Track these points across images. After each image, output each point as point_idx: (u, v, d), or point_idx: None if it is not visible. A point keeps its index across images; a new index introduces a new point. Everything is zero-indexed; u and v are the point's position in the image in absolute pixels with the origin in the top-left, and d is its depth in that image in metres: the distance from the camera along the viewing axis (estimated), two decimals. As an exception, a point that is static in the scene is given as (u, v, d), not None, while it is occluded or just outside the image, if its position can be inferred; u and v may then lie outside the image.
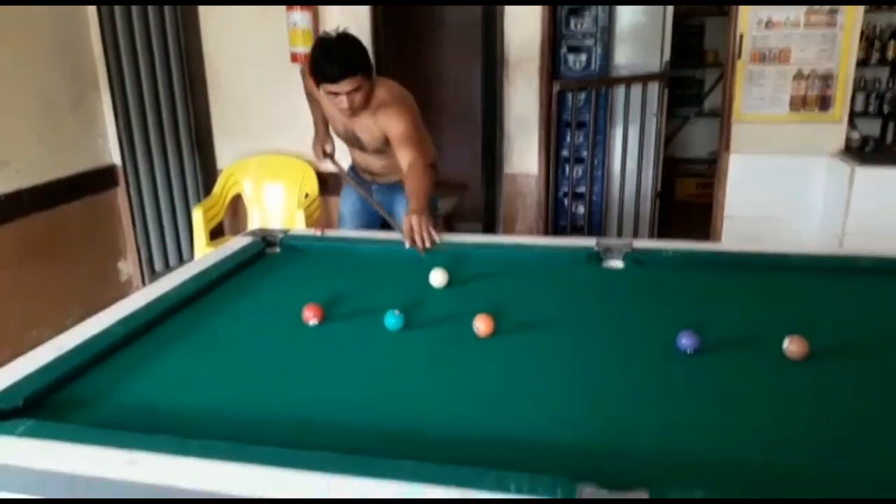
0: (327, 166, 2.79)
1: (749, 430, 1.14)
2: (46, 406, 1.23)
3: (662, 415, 1.19)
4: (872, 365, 1.34)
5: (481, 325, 1.49)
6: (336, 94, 2.28)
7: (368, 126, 2.45)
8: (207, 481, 0.97)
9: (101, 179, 3.77)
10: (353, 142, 2.58)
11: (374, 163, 2.66)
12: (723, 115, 3.57)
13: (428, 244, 2.04)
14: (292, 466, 0.99)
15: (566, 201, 4.19)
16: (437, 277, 1.80)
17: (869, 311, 1.61)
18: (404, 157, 2.31)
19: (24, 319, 3.26)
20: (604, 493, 0.89)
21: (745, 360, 1.37)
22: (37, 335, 1.49)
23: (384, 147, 2.49)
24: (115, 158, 3.81)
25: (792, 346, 1.34)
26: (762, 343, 1.41)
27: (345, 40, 2.28)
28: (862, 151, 3.38)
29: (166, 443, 1.05)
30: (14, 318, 3.23)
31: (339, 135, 2.62)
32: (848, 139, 3.42)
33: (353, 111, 2.34)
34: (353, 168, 2.79)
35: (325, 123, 2.70)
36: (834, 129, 3.40)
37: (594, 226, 4.21)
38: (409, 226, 2.06)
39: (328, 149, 2.72)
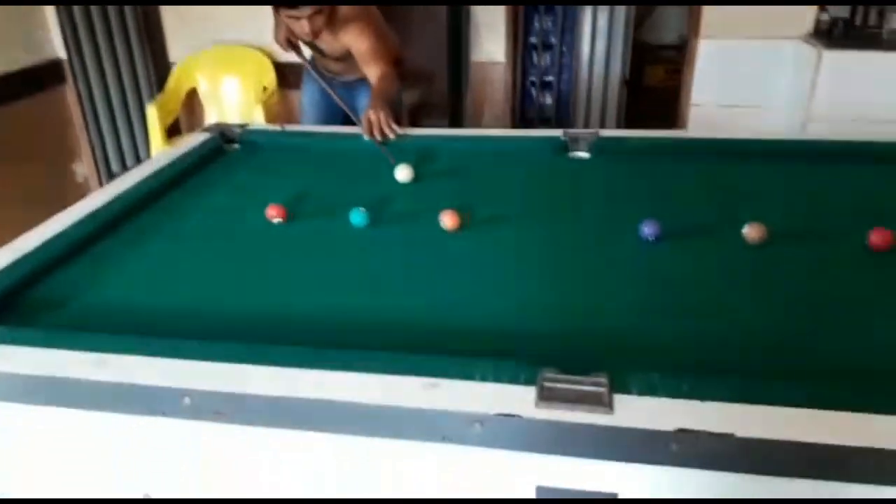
0: (290, 56, 2.69)
1: (708, 312, 1.18)
2: (11, 309, 1.23)
3: (625, 301, 1.23)
4: (827, 247, 1.38)
5: (447, 220, 1.49)
6: (296, 18, 2.23)
7: (330, 42, 2.44)
8: (178, 379, 0.99)
9: (46, 75, 3.59)
10: (315, 49, 2.56)
11: (335, 66, 2.65)
12: (693, -2, 3.48)
13: (391, 135, 2.03)
14: (260, 362, 1.01)
15: (534, 91, 4.13)
16: (403, 173, 1.78)
17: (826, 195, 1.64)
18: (372, 73, 2.34)
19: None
20: (564, 377, 0.93)
21: (705, 246, 1.40)
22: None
23: (346, 56, 2.48)
24: (60, 52, 3.62)
25: (751, 231, 1.38)
26: (723, 229, 1.44)
27: None
28: (830, 34, 3.34)
29: (135, 343, 1.06)
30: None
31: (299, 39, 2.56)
32: (817, 21, 3.37)
33: (315, 35, 2.31)
34: (314, 62, 2.72)
35: None
36: (803, 11, 3.35)
37: (562, 115, 4.17)
38: (369, 118, 2.05)
39: (294, 37, 2.61)
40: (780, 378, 0.99)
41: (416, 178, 1.78)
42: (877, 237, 1.33)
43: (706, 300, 1.22)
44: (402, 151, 1.95)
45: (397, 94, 2.37)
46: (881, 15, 3.50)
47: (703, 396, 0.89)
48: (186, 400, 0.97)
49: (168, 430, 1.01)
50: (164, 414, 1.00)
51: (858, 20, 3.97)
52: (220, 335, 1.11)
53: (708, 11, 3.41)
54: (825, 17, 3.41)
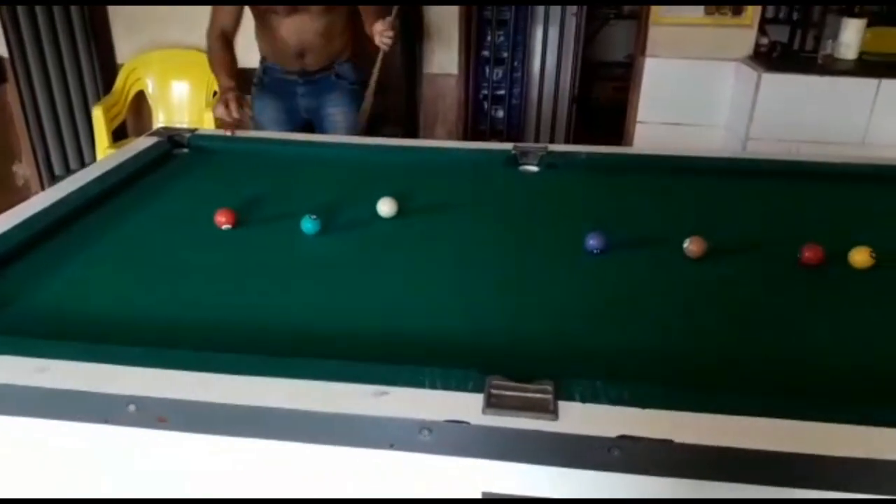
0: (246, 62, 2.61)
1: (650, 322, 1.22)
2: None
3: (568, 310, 1.26)
4: (762, 260, 1.44)
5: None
6: None
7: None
8: (122, 386, 0.97)
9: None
10: (294, 10, 2.39)
11: (311, 35, 2.46)
12: (640, 17, 3.58)
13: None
14: (204, 370, 1.00)
15: (486, 104, 4.18)
16: (386, 206, 1.63)
17: (763, 210, 1.71)
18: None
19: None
20: (511, 385, 0.95)
21: (648, 259, 1.45)
22: (-73, 242, 1.41)
23: (325, 25, 2.43)
24: (1, 51, 3.51)
25: (692, 245, 1.43)
26: (665, 243, 1.48)
27: None
28: (769, 57, 3.48)
29: (77, 349, 1.04)
30: None
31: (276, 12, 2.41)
32: (757, 44, 3.51)
33: None
34: (270, 70, 2.59)
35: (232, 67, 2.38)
36: (745, 34, 3.49)
37: (513, 129, 4.23)
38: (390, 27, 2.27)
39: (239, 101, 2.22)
40: (715, 387, 1.03)
41: (364, 186, 1.78)
42: (809, 253, 1.40)
43: (648, 311, 1.26)
44: (355, 161, 1.96)
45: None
46: (817, 40, 3.66)
47: (643, 404, 0.93)
48: (131, 407, 0.96)
49: (111, 438, 1.00)
50: (107, 421, 0.98)
51: (796, 45, 4.13)
52: (161, 342, 1.09)
53: (654, 31, 3.51)
54: (765, 40, 3.55)
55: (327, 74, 2.54)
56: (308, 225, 1.53)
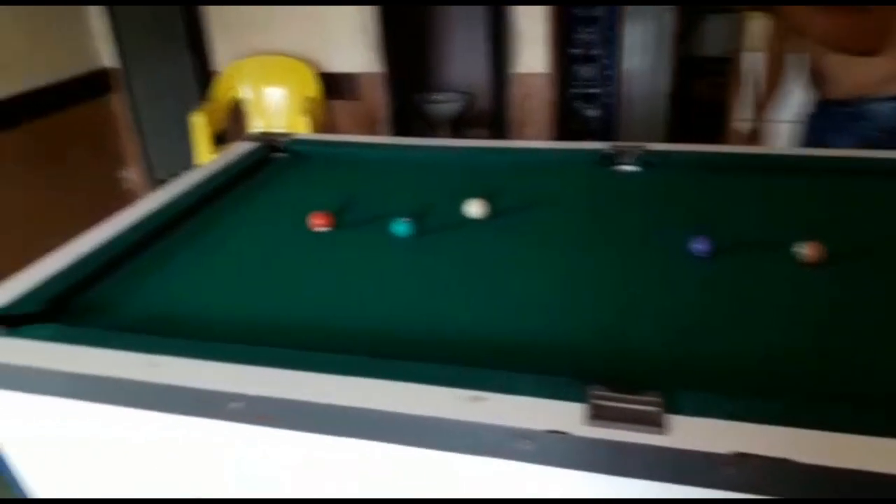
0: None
1: (762, 331, 1.16)
2: (67, 311, 1.26)
3: (672, 318, 1.21)
4: (889, 270, 1.34)
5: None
6: None
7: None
8: (228, 383, 1.00)
9: (94, 84, 3.70)
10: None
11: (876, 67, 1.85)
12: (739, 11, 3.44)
13: None
14: (307, 368, 1.02)
15: (578, 104, 4.11)
16: (475, 208, 1.63)
17: (888, 214, 1.60)
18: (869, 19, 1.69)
19: (31, 228, 3.29)
20: (615, 395, 0.91)
21: (757, 265, 1.38)
22: (45, 243, 1.51)
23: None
24: (107, 61, 3.72)
25: (806, 250, 1.35)
26: (775, 247, 1.41)
27: None
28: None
29: (186, 346, 1.08)
30: (20, 227, 3.25)
31: (834, 48, 1.85)
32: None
33: None
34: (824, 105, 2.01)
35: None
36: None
37: (607, 128, 4.15)
38: None
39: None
40: (838, 404, 0.96)
41: (457, 187, 1.77)
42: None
43: (759, 319, 1.20)
44: (440, 164, 1.96)
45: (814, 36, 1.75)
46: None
47: (759, 419, 0.87)
48: (233, 404, 0.99)
49: (214, 432, 1.03)
50: (210, 416, 1.01)
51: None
52: (266, 341, 1.12)
53: (754, 25, 3.36)
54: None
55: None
56: (400, 227, 1.54)
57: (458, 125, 4.96)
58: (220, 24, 3.68)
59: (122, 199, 3.89)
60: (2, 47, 3.16)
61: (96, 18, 3.62)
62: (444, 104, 4.89)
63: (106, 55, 3.71)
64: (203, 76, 3.73)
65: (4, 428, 1.19)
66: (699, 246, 1.38)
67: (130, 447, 1.13)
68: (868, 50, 1.68)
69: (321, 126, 3.50)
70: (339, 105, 3.67)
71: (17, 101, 3.22)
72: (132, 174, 3.98)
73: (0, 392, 1.12)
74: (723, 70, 5.36)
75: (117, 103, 3.81)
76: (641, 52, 3.97)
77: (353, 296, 1.33)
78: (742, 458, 0.82)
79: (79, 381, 1.06)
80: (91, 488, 1.22)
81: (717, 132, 3.71)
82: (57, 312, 1.24)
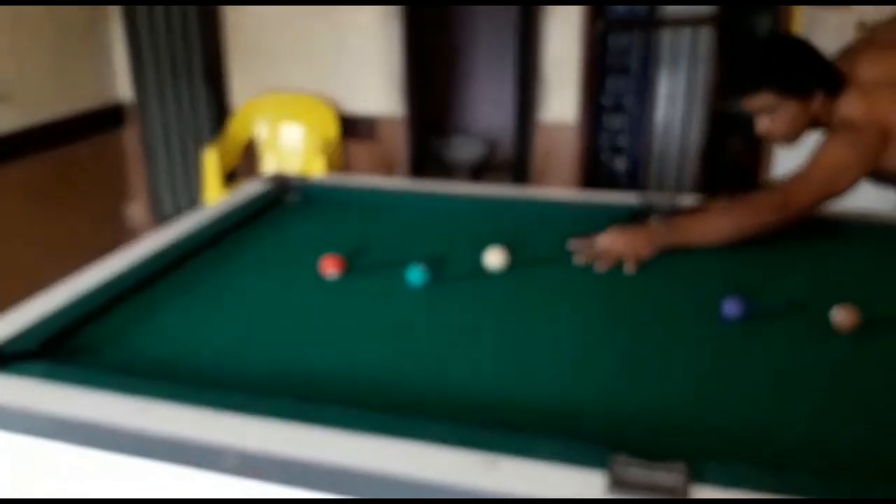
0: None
1: (797, 401, 1.14)
2: (61, 350, 1.27)
3: (701, 383, 1.20)
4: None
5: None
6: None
7: None
8: (221, 433, 1.00)
9: (108, 118, 3.79)
10: None
11: None
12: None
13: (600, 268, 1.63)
14: (308, 421, 1.01)
15: (604, 155, 4.15)
16: (494, 257, 1.61)
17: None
18: (778, 188, 1.76)
19: (35, 261, 3.33)
20: (638, 464, 0.90)
21: (790, 330, 1.36)
22: (47, 277, 1.53)
23: None
24: (123, 96, 3.82)
25: (841, 316, 1.33)
26: (809, 312, 1.40)
27: (757, 44, 1.81)
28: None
29: (180, 392, 1.08)
30: (24, 260, 3.30)
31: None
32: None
33: (768, 137, 1.80)
34: None
35: None
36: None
37: (635, 183, 4.17)
38: (597, 243, 1.68)
39: None
40: (875, 482, 0.94)
41: (475, 236, 1.77)
42: None
43: (794, 388, 1.18)
44: (459, 211, 1.97)
45: (721, 240, 1.70)
46: None
47: (791, 493, 0.86)
48: (228, 457, 0.98)
49: (207, 484, 1.02)
50: (203, 468, 1.00)
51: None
52: (265, 392, 1.12)
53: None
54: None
55: None
56: (415, 275, 1.54)
57: (479, 171, 5.01)
58: (240, 60, 3.77)
59: (127, 233, 3.94)
60: (25, 78, 3.26)
61: (118, 52, 3.74)
62: (465, 149, 4.94)
63: (123, 89, 3.81)
64: (218, 112, 3.81)
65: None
66: (731, 308, 1.37)
67: (117, 492, 1.12)
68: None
69: (337, 167, 3.55)
70: (356, 146, 3.72)
71: (32, 133, 3.30)
72: (136, 210, 4.04)
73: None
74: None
75: (129, 137, 3.89)
76: (674, 104, 4.01)
77: (360, 346, 1.33)
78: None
79: (65, 423, 1.05)
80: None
81: (750, 188, 3.71)
82: (51, 351, 1.25)
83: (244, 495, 1.01)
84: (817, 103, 1.69)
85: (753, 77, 1.71)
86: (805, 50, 1.71)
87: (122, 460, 1.05)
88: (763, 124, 1.75)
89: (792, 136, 1.76)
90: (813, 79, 1.68)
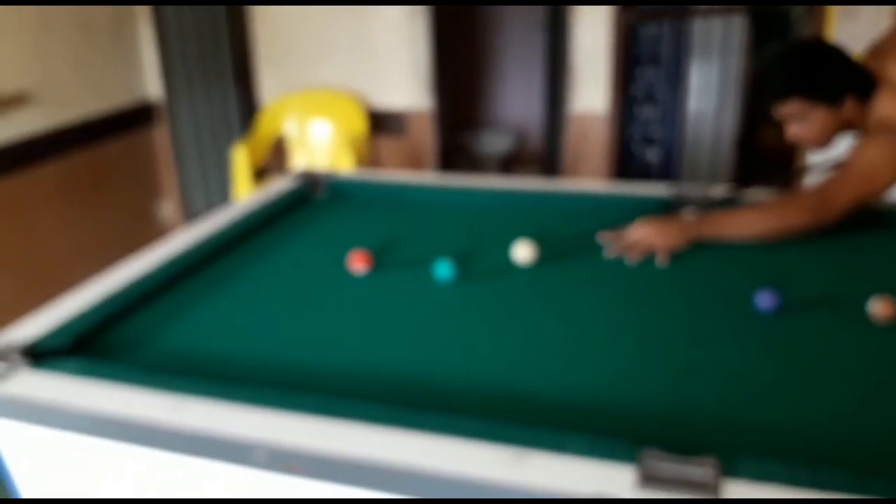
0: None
1: (830, 395, 1.13)
2: (94, 346, 1.30)
3: (733, 378, 1.19)
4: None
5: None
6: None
7: None
8: (253, 429, 1.02)
9: (138, 117, 3.85)
10: None
11: None
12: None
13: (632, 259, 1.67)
14: (339, 416, 1.02)
15: (635, 146, 4.11)
16: (523, 251, 1.63)
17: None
18: (813, 190, 1.75)
19: (68, 258, 3.41)
20: (668, 459, 0.90)
21: (825, 322, 1.35)
22: (80, 275, 1.57)
23: None
24: (153, 94, 3.89)
25: (879, 307, 1.31)
26: (844, 304, 1.38)
27: (785, 52, 1.74)
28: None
29: (212, 388, 1.10)
30: (57, 257, 3.38)
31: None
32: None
33: (799, 143, 1.81)
34: None
35: None
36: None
37: (667, 174, 4.13)
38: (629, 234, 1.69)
39: None
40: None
41: (504, 231, 1.78)
42: None
43: (828, 381, 1.17)
44: (489, 205, 1.97)
45: (753, 237, 1.71)
46: None
47: (823, 489, 0.85)
48: (260, 452, 1.00)
49: (240, 478, 1.04)
50: (235, 462, 1.02)
51: None
52: (296, 386, 1.13)
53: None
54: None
55: None
56: (443, 271, 1.55)
57: (509, 164, 5.00)
58: (269, 58, 3.81)
59: (157, 231, 4.01)
60: (53, 79, 3.32)
61: (147, 51, 3.80)
62: (495, 142, 4.94)
63: (153, 88, 3.88)
64: (247, 110, 3.86)
65: (20, 459, 1.22)
66: (764, 301, 1.36)
67: (149, 487, 1.14)
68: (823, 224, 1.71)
69: (366, 163, 3.57)
70: (385, 141, 3.74)
71: (63, 133, 3.37)
72: (167, 208, 4.11)
73: (21, 424, 1.15)
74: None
75: (159, 136, 3.96)
76: (706, 94, 3.97)
77: (389, 341, 1.34)
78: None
79: (99, 419, 1.08)
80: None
81: (785, 179, 3.66)
82: (85, 348, 1.28)
83: (274, 490, 1.03)
84: (848, 108, 1.67)
85: (781, 85, 1.70)
86: (834, 56, 1.69)
87: (154, 455, 1.08)
88: (793, 131, 1.75)
89: (823, 142, 1.74)
90: (842, 85, 1.66)
